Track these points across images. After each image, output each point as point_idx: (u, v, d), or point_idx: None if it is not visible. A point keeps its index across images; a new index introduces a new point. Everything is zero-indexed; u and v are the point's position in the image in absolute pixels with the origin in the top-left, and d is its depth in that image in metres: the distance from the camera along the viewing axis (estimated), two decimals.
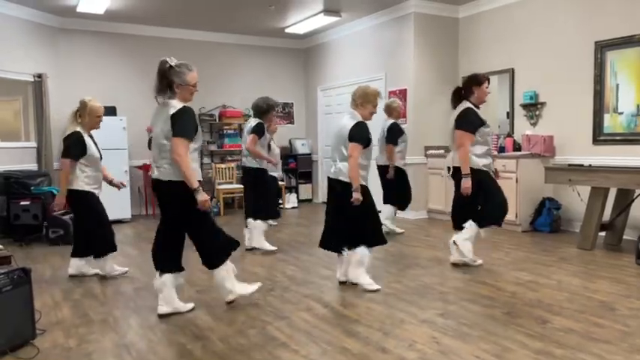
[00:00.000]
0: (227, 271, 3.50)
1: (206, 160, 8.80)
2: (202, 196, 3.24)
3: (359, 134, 3.85)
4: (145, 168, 7.75)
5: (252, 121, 5.37)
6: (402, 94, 7.50)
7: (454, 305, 3.54)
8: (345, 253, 4.03)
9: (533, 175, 6.13)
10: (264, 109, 5.38)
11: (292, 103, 9.83)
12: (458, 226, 4.55)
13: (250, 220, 5.39)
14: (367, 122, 3.97)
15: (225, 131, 9.01)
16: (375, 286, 3.92)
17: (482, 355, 2.71)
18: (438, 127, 7.34)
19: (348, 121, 3.95)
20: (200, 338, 3.06)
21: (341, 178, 3.91)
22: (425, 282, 4.12)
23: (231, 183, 8.65)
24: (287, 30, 8.73)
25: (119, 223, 7.45)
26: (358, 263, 3.96)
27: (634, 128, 5.55)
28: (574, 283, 4.01)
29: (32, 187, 6.46)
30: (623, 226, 5.32)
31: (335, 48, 9.04)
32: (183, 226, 3.42)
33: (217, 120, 8.93)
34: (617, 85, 5.68)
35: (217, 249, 3.46)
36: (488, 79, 4.51)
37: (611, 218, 5.30)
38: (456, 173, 4.42)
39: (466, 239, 4.48)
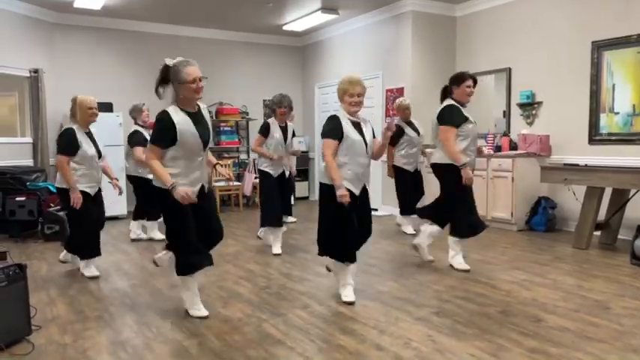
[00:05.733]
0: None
1: None
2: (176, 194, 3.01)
3: (325, 127, 3.54)
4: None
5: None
6: (400, 92, 7.50)
7: (449, 303, 3.55)
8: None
9: (529, 174, 6.15)
10: (270, 107, 5.33)
11: None
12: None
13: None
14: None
15: (221, 128, 9.00)
16: None
17: (477, 353, 2.72)
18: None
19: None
20: (196, 335, 3.06)
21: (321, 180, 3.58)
22: (420, 280, 4.13)
23: (229, 180, 8.61)
24: (285, 27, 8.71)
25: (115, 219, 7.44)
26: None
27: (630, 128, 5.58)
28: (569, 282, 4.03)
29: (28, 183, 6.45)
30: (618, 225, 5.35)
31: (332, 46, 9.03)
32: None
33: (214, 117, 8.91)
34: (614, 85, 5.69)
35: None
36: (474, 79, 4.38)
37: (607, 218, 5.32)
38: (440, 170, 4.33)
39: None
